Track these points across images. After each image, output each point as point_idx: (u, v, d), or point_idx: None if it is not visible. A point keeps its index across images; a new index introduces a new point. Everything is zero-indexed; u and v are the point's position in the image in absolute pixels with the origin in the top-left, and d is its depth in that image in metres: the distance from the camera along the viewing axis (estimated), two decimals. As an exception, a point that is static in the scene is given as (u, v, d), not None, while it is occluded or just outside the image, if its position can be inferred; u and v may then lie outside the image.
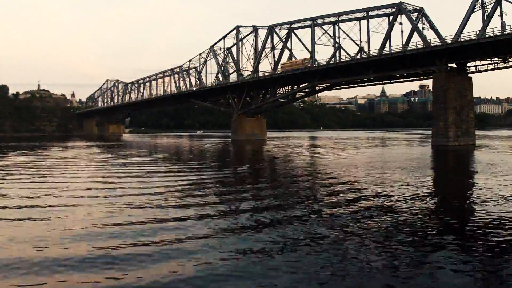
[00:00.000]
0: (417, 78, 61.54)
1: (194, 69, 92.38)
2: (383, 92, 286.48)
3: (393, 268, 6.82)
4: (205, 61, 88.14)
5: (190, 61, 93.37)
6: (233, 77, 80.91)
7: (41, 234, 8.91)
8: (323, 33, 64.35)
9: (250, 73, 76.70)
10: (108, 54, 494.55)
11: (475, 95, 62.48)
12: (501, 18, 43.89)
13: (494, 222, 9.91)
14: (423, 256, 7.45)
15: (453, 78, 50.26)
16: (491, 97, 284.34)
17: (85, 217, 10.62)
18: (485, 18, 44.81)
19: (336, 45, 62.82)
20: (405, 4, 53.24)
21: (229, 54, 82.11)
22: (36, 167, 25.24)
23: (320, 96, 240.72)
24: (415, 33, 51.92)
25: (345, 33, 61.85)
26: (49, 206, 12.06)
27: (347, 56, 61.14)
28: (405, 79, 62.54)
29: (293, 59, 70.17)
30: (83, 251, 7.63)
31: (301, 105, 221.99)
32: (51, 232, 9.05)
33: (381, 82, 66.83)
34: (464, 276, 6.44)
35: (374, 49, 57.56)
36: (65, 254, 7.46)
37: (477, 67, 52.15)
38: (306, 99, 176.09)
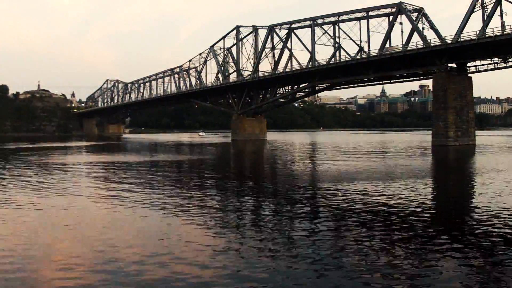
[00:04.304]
0: (417, 78, 61.57)
1: (194, 69, 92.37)
2: (383, 92, 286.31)
3: (392, 269, 6.82)
4: (205, 61, 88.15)
5: (190, 61, 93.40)
6: (233, 77, 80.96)
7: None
8: (323, 33, 64.46)
9: (250, 73, 76.69)
10: (108, 54, 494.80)
11: (475, 95, 62.54)
12: (501, 18, 43.91)
13: (495, 223, 9.92)
14: (423, 255, 7.45)
15: (453, 78, 50.25)
16: (491, 97, 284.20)
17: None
18: (485, 18, 44.81)
19: (336, 45, 62.83)
20: (405, 4, 53.24)
21: (229, 54, 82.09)
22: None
23: (320, 96, 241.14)
24: (415, 33, 51.93)
25: (345, 33, 61.99)
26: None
27: (347, 56, 61.18)
28: (405, 79, 62.55)
29: (293, 59, 70.21)
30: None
31: (301, 105, 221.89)
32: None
33: (381, 82, 66.84)
34: (464, 276, 6.45)
35: (374, 49, 57.66)
36: None
37: (477, 67, 52.16)
38: (306, 99, 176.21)
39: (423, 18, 52.52)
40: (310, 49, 65.63)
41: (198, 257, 7.33)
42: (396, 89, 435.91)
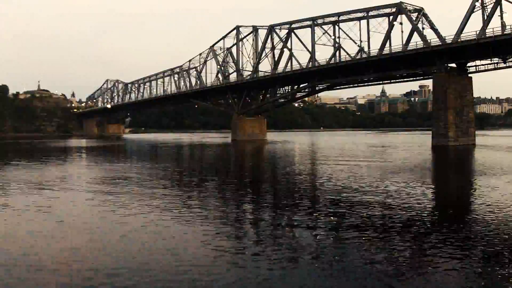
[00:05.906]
0: (417, 78, 61.52)
1: (194, 69, 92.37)
2: (383, 92, 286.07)
3: (392, 269, 6.81)
4: (205, 61, 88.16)
5: (190, 61, 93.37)
6: (233, 77, 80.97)
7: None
8: (323, 33, 64.50)
9: (250, 73, 76.68)
10: (107, 54, 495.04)
11: (475, 95, 62.54)
12: (501, 18, 43.92)
13: (495, 223, 9.91)
14: (422, 255, 7.44)
15: (453, 78, 50.24)
16: (491, 97, 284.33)
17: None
18: (485, 18, 44.81)
19: (336, 45, 62.84)
20: (405, 4, 53.25)
21: (229, 54, 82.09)
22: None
23: (320, 96, 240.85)
24: (415, 33, 51.95)
25: (345, 33, 62.04)
26: None
27: (347, 56, 61.21)
28: (405, 79, 62.51)
29: (293, 59, 70.14)
30: None
31: (301, 105, 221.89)
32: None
33: (381, 82, 66.78)
34: (464, 276, 6.44)
35: (374, 49, 57.68)
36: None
37: (477, 67, 52.11)
38: (306, 99, 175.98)
39: (423, 18, 52.53)
40: (310, 49, 65.65)
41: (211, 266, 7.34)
42: (396, 89, 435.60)
